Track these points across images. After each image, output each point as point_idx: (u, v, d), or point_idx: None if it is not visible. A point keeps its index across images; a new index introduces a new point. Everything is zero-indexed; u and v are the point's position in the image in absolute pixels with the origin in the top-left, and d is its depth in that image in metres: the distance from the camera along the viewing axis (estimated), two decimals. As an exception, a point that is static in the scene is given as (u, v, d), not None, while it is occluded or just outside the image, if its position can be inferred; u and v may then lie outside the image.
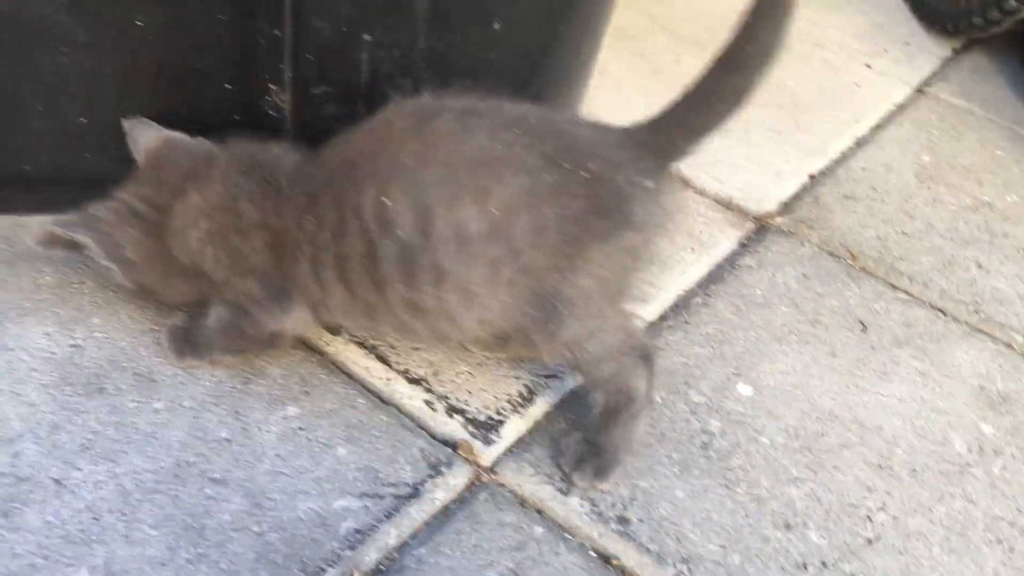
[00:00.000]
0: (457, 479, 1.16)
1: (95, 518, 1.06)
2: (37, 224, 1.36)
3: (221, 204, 1.14)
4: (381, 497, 1.13)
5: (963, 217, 1.71)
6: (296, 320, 1.17)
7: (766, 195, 1.67)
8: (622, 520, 1.15)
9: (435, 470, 1.17)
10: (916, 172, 1.80)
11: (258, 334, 1.18)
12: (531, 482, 1.17)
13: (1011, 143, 1.92)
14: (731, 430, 1.27)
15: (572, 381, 1.29)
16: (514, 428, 1.23)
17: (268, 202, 1.13)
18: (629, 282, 1.09)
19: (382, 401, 1.23)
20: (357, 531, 1.09)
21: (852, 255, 1.59)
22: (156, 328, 1.26)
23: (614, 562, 1.11)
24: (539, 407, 1.26)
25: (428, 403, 1.24)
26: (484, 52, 1.24)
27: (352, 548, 1.07)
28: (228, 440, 1.16)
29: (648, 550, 1.12)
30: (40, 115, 1.26)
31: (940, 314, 1.51)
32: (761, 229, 1.61)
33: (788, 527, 1.17)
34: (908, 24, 2.24)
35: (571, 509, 1.15)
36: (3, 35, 1.17)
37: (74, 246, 1.19)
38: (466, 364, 1.29)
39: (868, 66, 2.08)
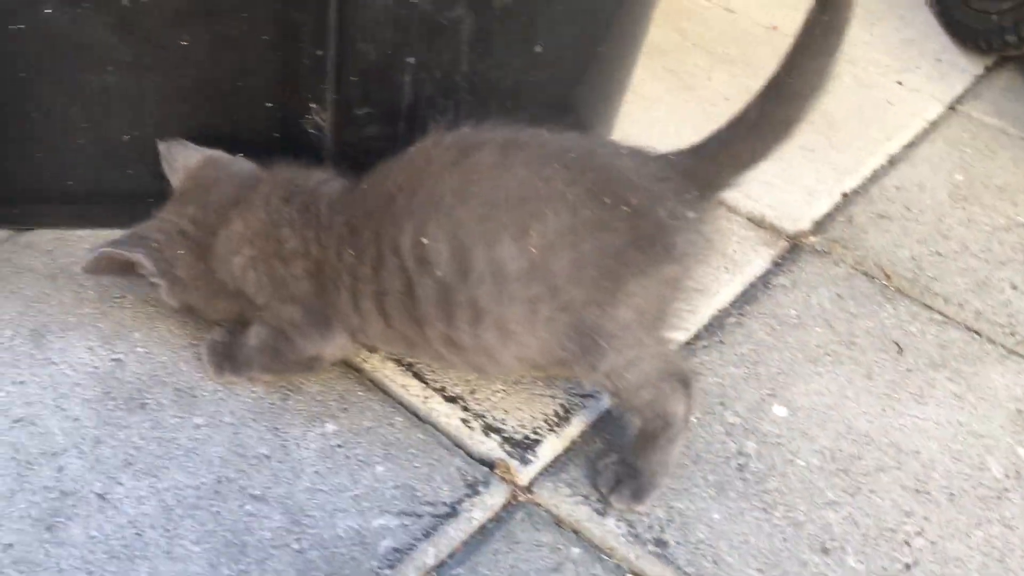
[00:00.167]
0: (494, 498, 1.17)
1: (138, 533, 1.07)
2: (77, 238, 1.39)
3: (263, 231, 1.15)
4: (419, 516, 1.13)
5: (997, 237, 1.70)
6: (336, 346, 1.18)
7: (799, 213, 1.67)
8: (659, 542, 1.15)
9: (472, 489, 1.17)
10: (949, 191, 1.79)
11: (298, 358, 1.19)
12: (568, 502, 1.18)
13: (1045, 162, 1.92)
14: (767, 452, 1.27)
15: (607, 400, 1.29)
16: (550, 448, 1.23)
17: (309, 230, 1.13)
18: (669, 312, 1.09)
19: (419, 419, 1.24)
20: (396, 550, 1.10)
21: (886, 275, 1.58)
22: (196, 343, 1.27)
23: (651, 584, 1.11)
24: (575, 426, 1.26)
25: (465, 421, 1.24)
26: (524, 74, 1.25)
27: (391, 567, 1.08)
28: (267, 456, 1.17)
29: (686, 573, 1.12)
30: (84, 132, 1.28)
31: (975, 336, 1.50)
32: (794, 248, 1.61)
33: (826, 551, 1.17)
34: (940, 40, 2.23)
35: (608, 530, 1.15)
36: (51, 55, 1.19)
37: (120, 271, 1.20)
38: (502, 383, 1.29)
39: (900, 83, 2.07)
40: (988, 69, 2.17)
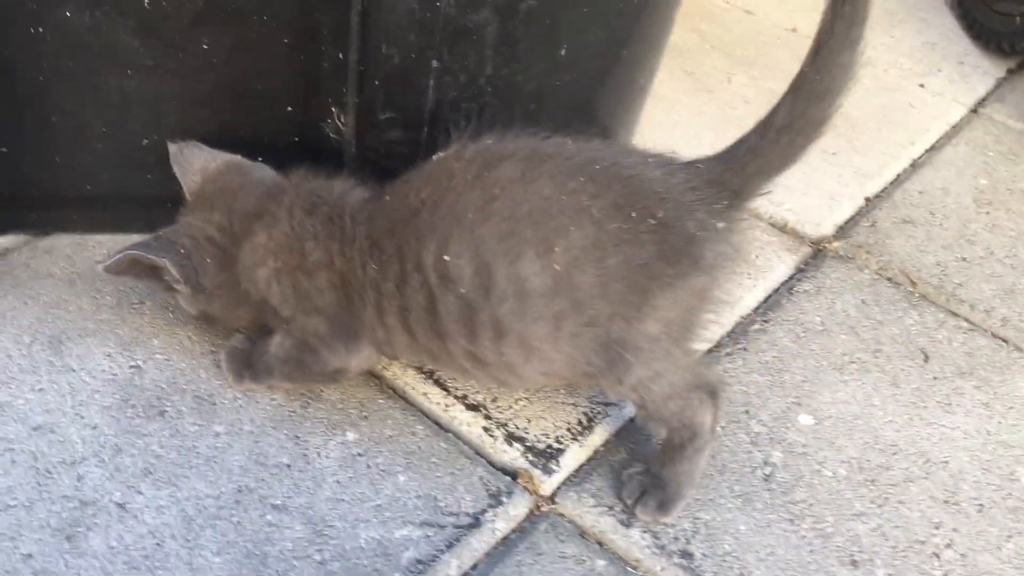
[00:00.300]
0: (517, 509, 1.15)
1: (158, 544, 1.06)
2: (96, 243, 1.38)
3: (287, 243, 1.13)
4: (442, 527, 1.12)
5: (1023, 243, 1.68)
6: (361, 358, 1.17)
7: (822, 219, 1.65)
8: (685, 554, 1.13)
9: (495, 499, 1.15)
10: (974, 196, 1.77)
11: (322, 370, 1.17)
12: (592, 513, 1.16)
13: (1070, 166, 1.89)
14: (793, 462, 1.25)
15: (631, 409, 1.27)
16: (574, 457, 1.22)
17: (333, 243, 1.11)
18: (696, 323, 1.07)
19: (441, 427, 1.22)
20: (419, 561, 1.08)
21: (911, 281, 1.56)
22: (215, 350, 1.26)
23: (678, 597, 1.09)
24: (598, 435, 1.25)
25: (487, 430, 1.23)
26: (548, 78, 1.23)
27: (414, 579, 1.07)
28: (288, 465, 1.15)
29: (713, 586, 1.10)
30: (103, 136, 1.26)
31: (1003, 343, 1.48)
32: (818, 254, 1.59)
33: (855, 564, 1.15)
34: (961, 43, 2.20)
35: (633, 542, 1.13)
36: (71, 58, 1.18)
37: (142, 274, 1.18)
38: (524, 391, 1.28)
39: (921, 86, 2.05)
40: (1011, 72, 2.14)
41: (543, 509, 1.16)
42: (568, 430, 1.24)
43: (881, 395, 1.36)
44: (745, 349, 1.40)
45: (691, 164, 1.07)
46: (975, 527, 1.21)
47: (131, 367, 1.23)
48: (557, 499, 1.17)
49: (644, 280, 1.01)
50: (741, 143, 1.06)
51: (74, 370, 1.21)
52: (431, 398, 1.25)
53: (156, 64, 1.20)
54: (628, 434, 1.26)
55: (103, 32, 1.16)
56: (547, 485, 1.18)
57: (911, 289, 1.55)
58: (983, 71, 2.12)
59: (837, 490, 1.22)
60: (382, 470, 1.16)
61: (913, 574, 1.15)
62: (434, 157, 1.10)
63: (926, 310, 1.51)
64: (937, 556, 1.17)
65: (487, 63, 1.16)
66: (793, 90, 1.03)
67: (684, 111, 1.84)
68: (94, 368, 1.22)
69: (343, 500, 1.13)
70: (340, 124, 1.25)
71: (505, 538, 1.12)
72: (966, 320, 1.51)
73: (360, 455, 1.18)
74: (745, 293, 1.48)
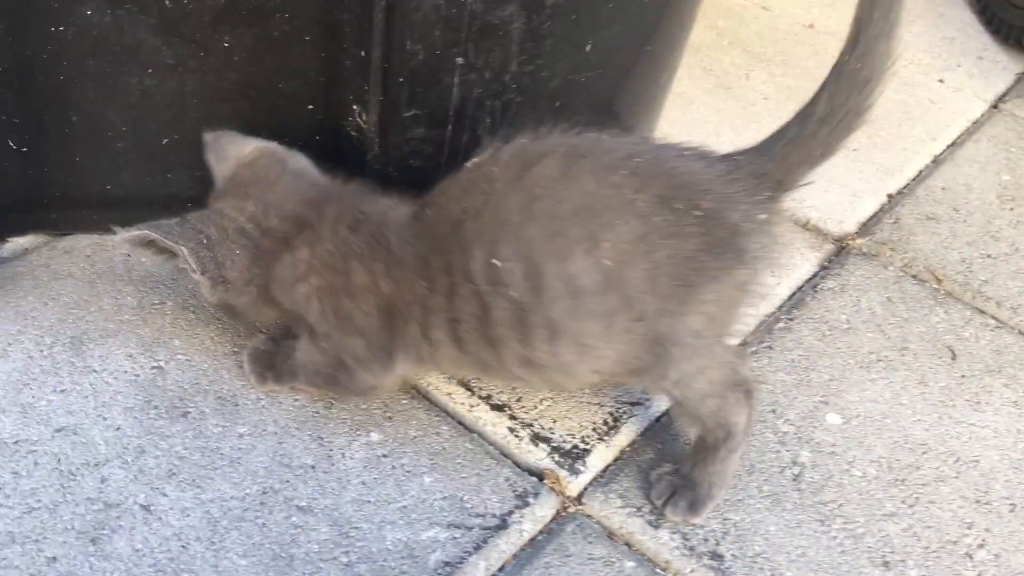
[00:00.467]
0: (544, 510, 1.14)
1: (183, 546, 1.05)
2: (116, 244, 1.36)
3: (331, 263, 1.10)
4: (469, 528, 1.10)
5: (1048, 239, 1.66)
6: (395, 377, 1.15)
7: (844, 216, 1.63)
8: (715, 556, 1.12)
9: (522, 500, 1.14)
10: (998, 192, 1.75)
11: (355, 388, 1.16)
12: (620, 514, 1.15)
13: (1093, 162, 1.87)
14: (822, 461, 1.23)
15: (656, 408, 1.26)
16: (600, 457, 1.20)
17: (378, 263, 1.08)
18: (735, 317, 1.06)
19: (465, 428, 1.21)
20: (446, 563, 1.07)
21: (936, 279, 1.54)
22: (237, 350, 1.25)
23: (708, 599, 1.08)
24: (625, 435, 1.23)
25: (512, 430, 1.21)
26: (573, 74, 1.22)
27: (442, 581, 1.05)
28: (312, 467, 1.14)
29: (744, 588, 1.09)
30: (124, 136, 1.25)
31: (1030, 341, 1.46)
32: (841, 251, 1.57)
33: (887, 565, 1.13)
34: (980, 38, 2.18)
35: (661, 543, 1.12)
36: (92, 57, 1.17)
37: (157, 253, 1.13)
38: (548, 390, 1.26)
39: (941, 81, 2.03)
40: (1031, 67, 2.13)
41: (570, 510, 1.15)
42: (594, 430, 1.23)
43: (909, 394, 1.34)
44: (771, 347, 1.39)
45: (730, 156, 1.06)
46: (1008, 527, 1.20)
47: (153, 368, 1.22)
48: (584, 500, 1.16)
49: (690, 274, 1.00)
50: (781, 134, 1.05)
51: (96, 371, 1.20)
52: (455, 398, 1.24)
53: (177, 63, 1.19)
54: (654, 434, 1.24)
55: (124, 31, 1.15)
56: (574, 486, 1.17)
57: (936, 286, 1.53)
58: (1002, 66, 2.10)
59: (867, 490, 1.21)
60: (407, 471, 1.15)
61: (946, 575, 1.13)
62: (467, 164, 1.08)
63: (952, 307, 1.49)
64: (970, 556, 1.16)
65: (512, 60, 1.15)
66: (832, 80, 1.02)
67: (703, 108, 1.82)
68: (116, 369, 1.21)
69: (368, 501, 1.11)
70: (362, 122, 1.24)
71: (532, 539, 1.11)
72: (993, 317, 1.49)
73: (385, 456, 1.16)
74: (769, 291, 1.46)
